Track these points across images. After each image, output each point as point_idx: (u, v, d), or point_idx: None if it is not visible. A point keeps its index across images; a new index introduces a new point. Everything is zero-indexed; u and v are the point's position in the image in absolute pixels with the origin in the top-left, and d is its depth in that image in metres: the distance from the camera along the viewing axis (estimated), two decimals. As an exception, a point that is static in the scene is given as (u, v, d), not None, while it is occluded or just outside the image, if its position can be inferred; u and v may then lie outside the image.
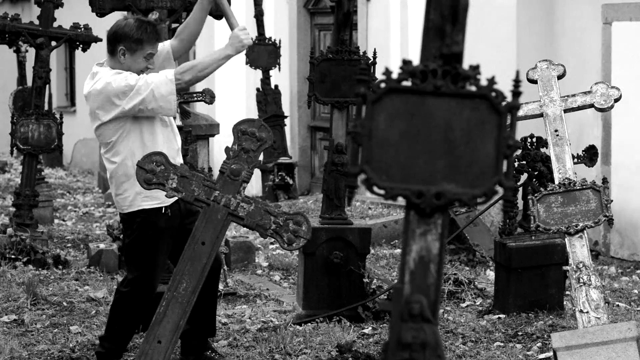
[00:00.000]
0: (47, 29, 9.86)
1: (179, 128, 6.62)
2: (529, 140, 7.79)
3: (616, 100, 6.67)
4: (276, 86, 14.30)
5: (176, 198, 5.19)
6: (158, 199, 5.90)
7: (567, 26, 11.35)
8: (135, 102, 5.80)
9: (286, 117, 14.52)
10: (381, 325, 7.37)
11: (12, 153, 10.05)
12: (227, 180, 4.95)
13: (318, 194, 13.66)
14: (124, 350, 6.35)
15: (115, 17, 8.51)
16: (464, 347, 6.88)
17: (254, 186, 14.86)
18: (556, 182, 6.38)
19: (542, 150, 7.71)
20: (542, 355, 6.66)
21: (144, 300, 6.11)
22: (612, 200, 6.40)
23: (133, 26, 5.93)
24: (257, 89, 14.36)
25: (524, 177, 7.79)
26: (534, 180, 7.71)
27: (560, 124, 6.55)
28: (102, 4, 7.61)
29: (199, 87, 16.14)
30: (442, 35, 2.55)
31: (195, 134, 9.40)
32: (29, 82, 11.32)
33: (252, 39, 6.10)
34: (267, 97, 14.14)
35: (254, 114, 14.49)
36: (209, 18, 8.23)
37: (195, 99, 10.94)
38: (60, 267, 9.39)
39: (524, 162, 7.73)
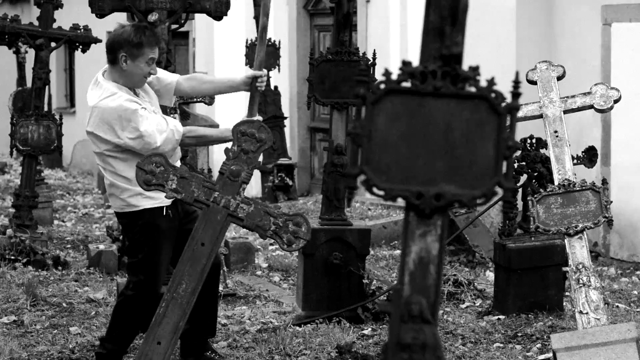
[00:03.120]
0: (46, 30, 9.86)
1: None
2: (529, 141, 7.78)
3: (616, 101, 6.66)
4: (276, 87, 14.30)
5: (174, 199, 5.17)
6: (158, 199, 5.89)
7: (567, 27, 11.34)
8: (138, 147, 5.74)
9: (286, 118, 14.52)
10: (381, 326, 7.36)
11: (11, 154, 10.05)
12: (227, 181, 4.95)
13: (318, 195, 13.65)
14: (125, 353, 6.35)
15: (115, 18, 8.50)
16: (464, 348, 6.88)
17: (254, 187, 14.85)
18: (556, 183, 6.38)
19: (542, 151, 7.71)
20: (542, 356, 6.66)
21: (149, 303, 6.08)
22: (611, 201, 6.39)
23: (131, 31, 5.89)
24: (257, 90, 14.34)
25: (523, 178, 7.79)
26: (534, 181, 7.71)
27: (560, 125, 6.54)
28: (102, 4, 7.60)
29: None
30: (441, 36, 2.55)
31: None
32: (29, 83, 11.32)
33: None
34: (267, 98, 14.13)
35: (253, 114, 14.45)
36: (208, 18, 8.23)
37: (195, 100, 10.94)
38: (60, 268, 9.39)
39: (524, 163, 7.73)
